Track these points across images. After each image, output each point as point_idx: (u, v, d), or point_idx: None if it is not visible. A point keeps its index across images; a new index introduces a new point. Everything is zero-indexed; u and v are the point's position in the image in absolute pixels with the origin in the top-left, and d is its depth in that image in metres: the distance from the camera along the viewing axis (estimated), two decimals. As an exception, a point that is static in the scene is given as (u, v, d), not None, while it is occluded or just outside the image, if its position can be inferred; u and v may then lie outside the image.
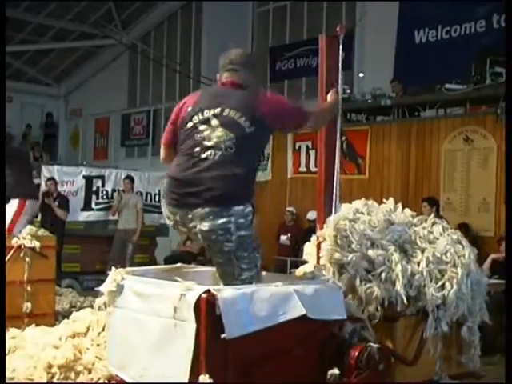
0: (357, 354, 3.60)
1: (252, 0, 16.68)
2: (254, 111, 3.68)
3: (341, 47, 4.27)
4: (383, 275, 3.96)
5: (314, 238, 4.26)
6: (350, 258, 3.96)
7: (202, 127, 3.68)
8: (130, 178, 12.80)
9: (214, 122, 3.66)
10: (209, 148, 3.62)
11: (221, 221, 3.58)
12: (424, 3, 13.05)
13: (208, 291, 3.22)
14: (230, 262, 3.66)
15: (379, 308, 3.89)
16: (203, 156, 3.63)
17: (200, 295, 3.20)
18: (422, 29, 13.23)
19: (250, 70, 3.90)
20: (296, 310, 3.39)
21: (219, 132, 3.63)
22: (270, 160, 13.25)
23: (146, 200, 13.39)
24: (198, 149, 3.66)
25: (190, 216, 3.65)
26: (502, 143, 9.80)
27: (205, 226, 3.60)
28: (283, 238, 12.17)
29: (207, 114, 3.70)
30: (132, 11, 17.72)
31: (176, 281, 3.47)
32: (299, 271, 4.40)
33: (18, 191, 6.91)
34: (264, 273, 4.17)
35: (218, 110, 3.69)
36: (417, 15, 13.19)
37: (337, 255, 4.00)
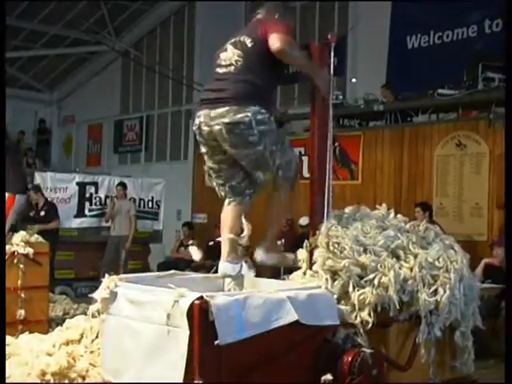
0: (350, 359, 3.61)
1: (246, 0, 16.66)
2: (256, 31, 4.39)
3: (332, 55, 4.29)
4: (376, 281, 3.96)
5: (306, 244, 4.26)
6: (342, 264, 3.96)
7: (222, 55, 4.42)
8: (123, 185, 12.80)
9: (230, 48, 4.39)
10: (225, 66, 4.34)
11: (240, 115, 4.15)
12: (416, 8, 13.09)
13: (201, 298, 3.22)
14: (258, 153, 4.23)
15: (372, 314, 3.89)
16: (221, 72, 4.36)
17: (193, 302, 3.21)
18: (414, 34, 13.27)
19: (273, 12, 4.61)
20: (289, 315, 3.40)
21: (231, 53, 4.36)
22: (263, 166, 13.25)
23: (139, 206, 13.41)
24: (218, 69, 4.40)
25: (212, 115, 4.23)
26: (495, 148, 9.85)
27: (226, 120, 4.17)
28: (277, 243, 12.17)
29: (227, 45, 4.45)
30: (125, 18, 17.74)
31: (169, 287, 3.47)
32: (292, 277, 4.40)
33: (8, 186, 6.87)
34: (257, 278, 4.18)
35: (233, 40, 4.44)
36: (409, 20, 13.23)
37: (329, 262, 4.01)
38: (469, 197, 10.11)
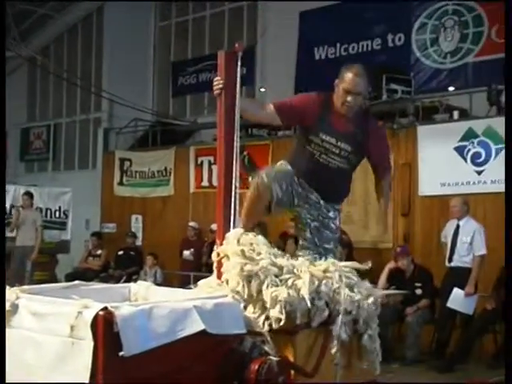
0: (256, 367, 3.62)
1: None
2: None
3: (239, 64, 4.31)
4: (290, 281, 3.99)
5: (214, 254, 4.25)
6: (260, 264, 3.95)
7: None
8: (29, 194, 12.55)
9: None
10: None
11: None
12: (323, 21, 13.36)
13: (105, 308, 3.17)
14: None
15: (283, 311, 3.88)
16: None
17: (97, 313, 3.15)
18: (321, 46, 13.53)
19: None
20: (195, 325, 3.39)
21: None
22: (172, 175, 13.23)
23: (46, 216, 13.18)
24: None
25: None
26: (399, 158, 10.12)
27: None
28: (186, 253, 12.16)
29: None
30: (31, 23, 17.35)
31: (73, 299, 3.41)
32: (200, 286, 4.39)
33: None
34: (164, 288, 4.15)
35: None
36: (316, 32, 13.48)
37: (248, 267, 3.97)
38: (374, 205, 10.29)
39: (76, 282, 4.34)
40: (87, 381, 3.14)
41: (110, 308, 3.17)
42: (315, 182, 4.56)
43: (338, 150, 4.52)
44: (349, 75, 4.46)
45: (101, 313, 3.15)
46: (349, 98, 4.44)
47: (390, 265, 8.81)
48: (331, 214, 4.65)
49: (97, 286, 4.50)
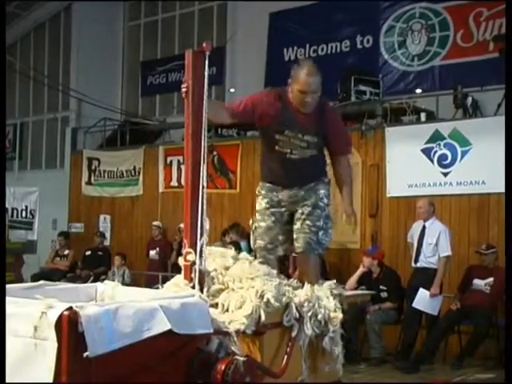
0: (223, 367, 3.62)
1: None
2: None
3: (207, 63, 4.29)
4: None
5: (181, 259, 4.22)
6: None
7: None
8: (-5, 193, 12.40)
9: None
10: None
11: None
12: (292, 22, 13.41)
13: (70, 308, 3.13)
14: None
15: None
16: None
17: (62, 313, 3.12)
18: (290, 46, 13.58)
19: None
20: (161, 325, 3.36)
21: None
22: (141, 174, 13.17)
23: (12, 216, 13.06)
24: None
25: None
26: (367, 159, 10.19)
27: None
28: (152, 252, 12.13)
29: None
30: (-3, 21, 17.17)
31: (37, 299, 3.37)
32: (168, 286, 4.38)
33: None
34: (130, 288, 4.13)
35: None
36: (285, 33, 13.53)
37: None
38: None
39: (41, 281, 4.29)
40: (51, 382, 3.11)
41: (74, 308, 3.13)
42: (293, 179, 4.77)
43: (306, 144, 4.64)
44: (302, 76, 4.55)
45: (65, 313, 3.11)
46: (307, 99, 4.54)
47: (362, 268, 8.85)
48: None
49: (62, 285, 4.45)
